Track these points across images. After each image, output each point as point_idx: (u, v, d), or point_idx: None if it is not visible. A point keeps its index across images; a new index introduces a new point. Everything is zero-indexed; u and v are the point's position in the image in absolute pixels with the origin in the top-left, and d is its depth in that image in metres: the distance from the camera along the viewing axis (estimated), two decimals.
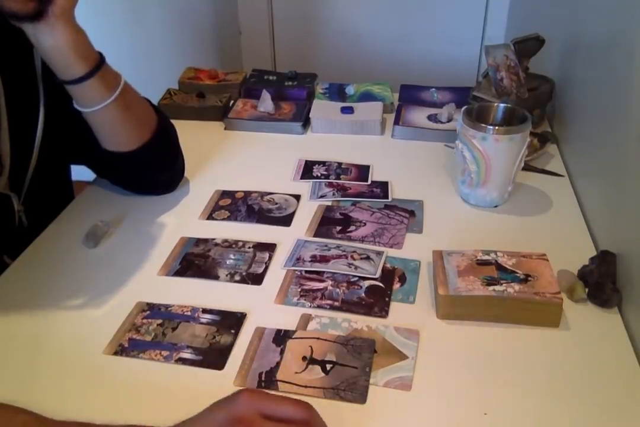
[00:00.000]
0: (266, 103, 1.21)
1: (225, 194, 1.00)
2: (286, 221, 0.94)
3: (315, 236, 0.90)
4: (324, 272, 0.82)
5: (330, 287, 0.79)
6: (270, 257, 0.85)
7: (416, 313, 0.76)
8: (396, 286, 0.80)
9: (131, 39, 2.12)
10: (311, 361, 0.68)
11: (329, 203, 0.98)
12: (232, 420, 0.52)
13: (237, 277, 0.82)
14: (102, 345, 0.71)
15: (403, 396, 0.65)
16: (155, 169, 0.95)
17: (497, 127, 0.88)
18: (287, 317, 0.75)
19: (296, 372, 0.67)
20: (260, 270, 0.83)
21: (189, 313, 0.76)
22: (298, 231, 0.91)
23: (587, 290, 0.77)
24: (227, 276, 0.82)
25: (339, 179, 1.04)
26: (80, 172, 1.03)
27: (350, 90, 1.30)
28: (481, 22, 2.19)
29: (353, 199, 0.99)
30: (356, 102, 1.25)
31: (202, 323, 0.74)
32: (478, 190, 0.94)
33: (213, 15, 2.18)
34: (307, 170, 1.07)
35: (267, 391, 0.63)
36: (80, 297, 0.79)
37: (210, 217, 0.95)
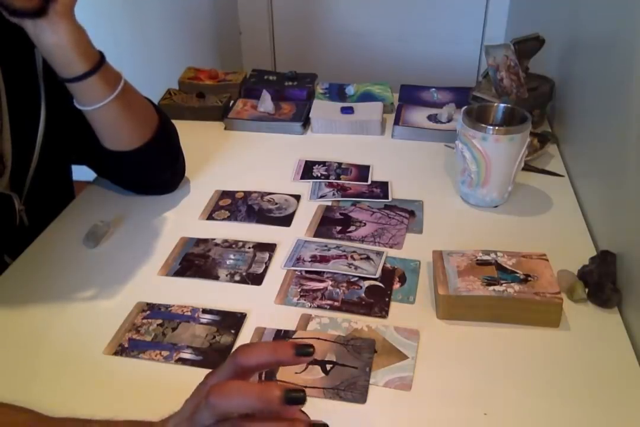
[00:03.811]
0: (266, 103, 1.21)
1: (225, 194, 1.00)
2: (286, 221, 0.94)
3: (315, 236, 0.90)
4: (324, 272, 0.82)
5: (330, 288, 0.79)
6: (270, 257, 0.85)
7: (416, 313, 0.76)
8: (396, 286, 0.80)
9: (131, 39, 2.12)
10: (311, 361, 0.68)
11: (329, 203, 0.98)
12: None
13: (237, 277, 0.82)
14: (102, 345, 0.71)
15: (403, 396, 0.65)
16: (156, 168, 0.95)
17: (497, 127, 0.88)
18: (287, 318, 0.75)
19: (296, 373, 0.67)
20: (260, 270, 0.83)
21: (189, 313, 0.76)
22: (298, 231, 0.91)
23: (587, 290, 0.77)
24: (227, 276, 0.82)
25: (339, 179, 1.04)
26: (81, 172, 1.03)
27: (350, 90, 1.30)
28: (481, 22, 2.19)
29: (353, 199, 0.99)
30: (356, 102, 1.25)
31: (202, 323, 0.74)
32: (478, 190, 0.94)
33: (213, 15, 2.18)
34: (307, 170, 1.07)
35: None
36: (80, 297, 0.79)
37: (210, 217, 0.95)
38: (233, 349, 0.69)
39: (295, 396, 0.41)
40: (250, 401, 0.42)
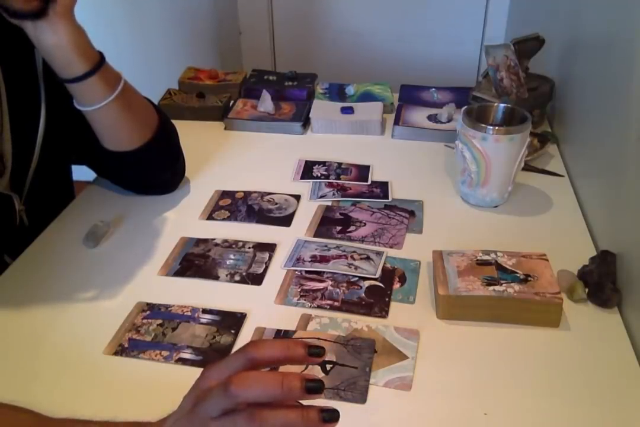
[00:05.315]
0: (266, 103, 1.21)
1: (225, 194, 1.00)
2: (286, 221, 0.94)
3: (315, 236, 0.90)
4: (324, 272, 0.82)
5: (330, 288, 0.79)
6: (270, 257, 0.85)
7: (416, 313, 0.76)
8: (396, 286, 0.80)
9: (131, 39, 2.12)
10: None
11: (329, 203, 0.98)
12: None
13: (237, 278, 0.82)
14: (102, 345, 0.71)
15: (403, 396, 0.65)
16: (156, 168, 0.95)
17: (497, 127, 0.88)
18: (287, 318, 0.75)
19: None
20: (260, 270, 0.83)
21: (189, 313, 0.76)
22: (298, 231, 0.91)
23: (587, 290, 0.77)
24: (227, 276, 0.82)
25: (339, 179, 1.04)
26: (81, 172, 1.03)
27: (350, 90, 1.30)
28: (481, 22, 2.19)
29: (353, 199, 0.99)
30: (356, 102, 1.25)
31: (202, 323, 0.74)
32: (478, 190, 0.94)
33: (213, 15, 2.18)
34: (307, 170, 1.07)
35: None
36: (80, 297, 0.79)
37: (210, 217, 0.95)
38: (233, 349, 0.70)
39: (314, 386, 0.44)
40: (273, 390, 0.43)
